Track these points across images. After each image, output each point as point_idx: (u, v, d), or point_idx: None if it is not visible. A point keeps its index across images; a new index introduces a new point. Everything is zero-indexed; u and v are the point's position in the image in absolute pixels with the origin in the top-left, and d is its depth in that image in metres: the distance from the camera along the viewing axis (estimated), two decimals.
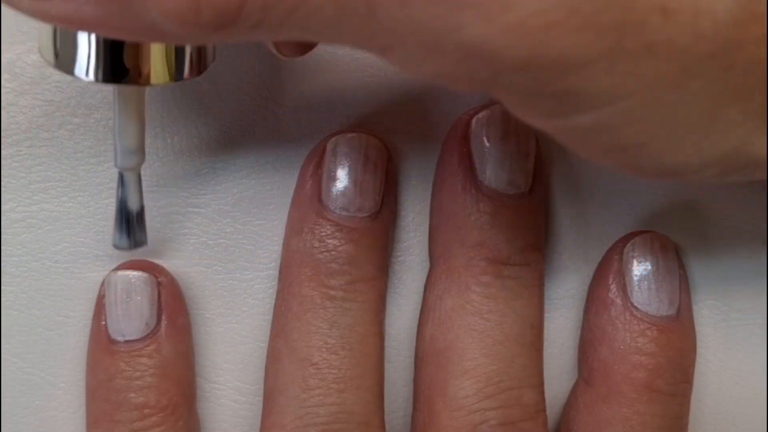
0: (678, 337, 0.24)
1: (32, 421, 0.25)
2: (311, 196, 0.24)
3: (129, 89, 0.21)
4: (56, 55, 0.19)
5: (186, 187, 0.25)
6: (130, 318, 0.23)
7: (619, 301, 0.24)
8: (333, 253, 0.23)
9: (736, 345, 0.26)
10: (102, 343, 0.24)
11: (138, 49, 0.19)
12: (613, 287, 0.24)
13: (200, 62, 0.20)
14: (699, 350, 0.25)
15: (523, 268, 0.24)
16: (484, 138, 0.24)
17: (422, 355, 0.24)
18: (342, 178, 0.23)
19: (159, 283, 0.24)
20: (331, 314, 0.23)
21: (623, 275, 0.24)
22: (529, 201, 0.24)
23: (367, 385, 0.23)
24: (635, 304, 0.24)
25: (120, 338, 0.23)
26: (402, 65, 0.16)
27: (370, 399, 0.23)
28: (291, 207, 0.25)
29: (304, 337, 0.23)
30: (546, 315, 0.25)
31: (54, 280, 0.25)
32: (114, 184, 0.25)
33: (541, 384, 0.24)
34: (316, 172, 0.24)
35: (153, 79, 0.19)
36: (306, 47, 0.21)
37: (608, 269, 0.25)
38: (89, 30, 0.17)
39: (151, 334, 0.23)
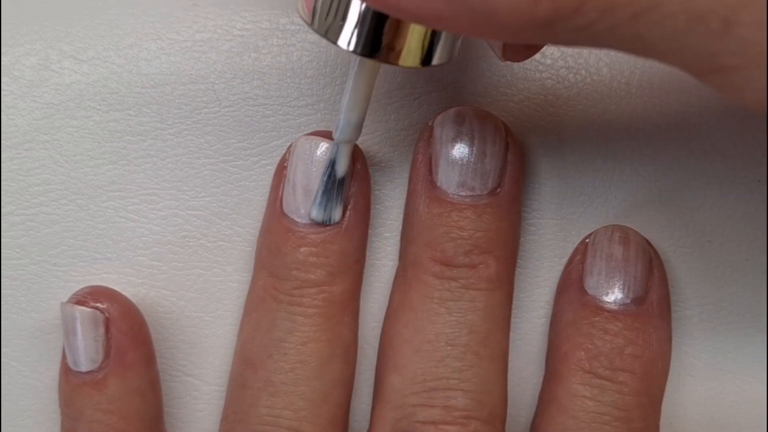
0: (627, 326, 0.23)
1: (31, 424, 0.25)
2: (274, 200, 0.24)
3: (370, 67, 0.21)
4: (317, 19, 0.19)
5: (185, 190, 0.25)
6: (78, 351, 0.23)
7: (574, 285, 0.24)
8: (284, 258, 0.23)
9: (734, 348, 0.26)
10: (64, 367, 0.24)
11: (397, 30, 0.19)
12: (573, 272, 0.25)
13: (451, 51, 0.20)
14: (697, 353, 0.25)
15: (466, 270, 0.23)
16: (438, 139, 0.24)
17: (378, 347, 0.25)
18: (294, 183, 0.24)
19: (107, 319, 0.24)
20: (273, 317, 0.23)
21: (582, 262, 0.24)
22: (487, 204, 0.23)
23: (300, 391, 0.23)
24: (585, 288, 0.24)
25: (74, 368, 0.24)
26: (732, 90, 0.16)
27: (303, 406, 0.23)
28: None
29: (248, 335, 0.24)
30: (533, 313, 0.25)
31: (53, 283, 0.25)
32: (113, 187, 0.25)
33: (484, 392, 0.23)
34: (282, 174, 0.24)
35: (402, 61, 0.19)
36: (532, 51, 0.21)
37: (575, 254, 0.25)
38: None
39: (97, 370, 0.23)
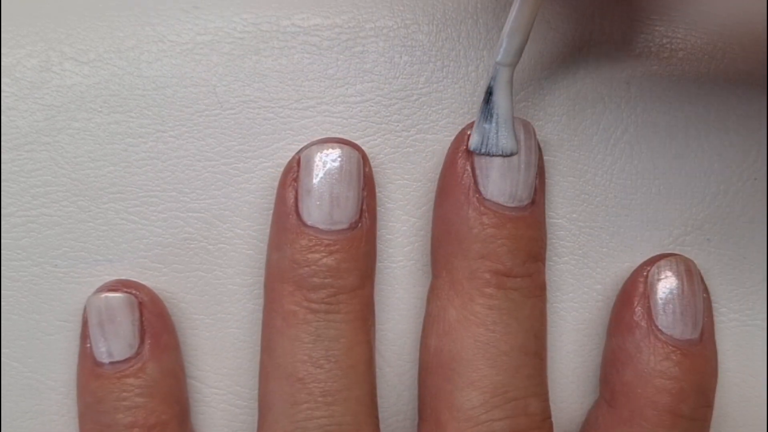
0: (701, 361, 0.24)
1: (32, 426, 0.25)
2: (288, 210, 0.24)
3: None
4: None
5: (186, 192, 0.25)
6: (114, 340, 0.23)
7: (644, 324, 0.24)
8: (313, 267, 0.23)
9: (735, 347, 0.26)
10: (88, 366, 0.24)
11: None
12: (638, 310, 0.24)
13: None
14: None
15: (525, 279, 0.24)
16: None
17: (427, 365, 0.24)
18: (316, 192, 0.23)
19: (140, 303, 0.24)
20: (314, 328, 0.23)
21: (648, 298, 0.24)
22: (531, 213, 0.24)
23: (356, 395, 0.23)
24: (660, 327, 0.24)
25: (105, 360, 0.24)
26: None
27: (360, 409, 0.23)
28: (271, 220, 0.24)
29: (289, 352, 0.23)
30: (551, 319, 0.25)
31: (54, 284, 0.25)
32: (114, 189, 0.25)
33: (546, 392, 0.24)
34: (293, 185, 0.24)
35: None
36: None
37: (633, 292, 0.25)
38: None
39: (135, 355, 0.24)
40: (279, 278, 0.24)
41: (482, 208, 0.23)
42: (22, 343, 0.25)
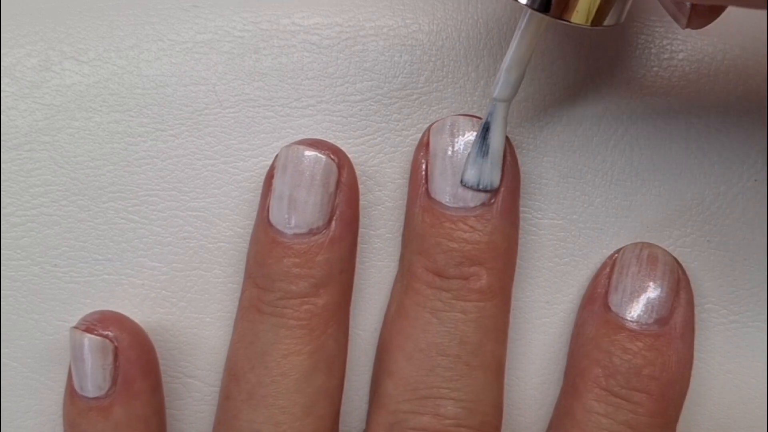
0: (647, 346, 0.24)
1: (31, 425, 0.25)
2: (262, 210, 0.24)
3: (537, 25, 0.21)
4: None
5: (186, 191, 0.25)
6: (84, 378, 0.23)
7: (599, 299, 0.24)
8: (266, 268, 0.23)
9: (735, 349, 0.26)
10: (69, 389, 0.24)
11: None
12: (599, 286, 0.25)
13: (620, 14, 0.20)
14: (696, 354, 0.25)
15: (457, 282, 0.23)
16: (432, 149, 0.24)
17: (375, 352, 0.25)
18: (277, 192, 0.23)
19: (116, 348, 0.23)
20: (257, 328, 0.23)
21: (609, 277, 0.24)
22: (479, 215, 0.23)
23: (281, 404, 0.23)
24: (609, 303, 0.24)
25: (78, 391, 0.24)
26: None
27: (284, 420, 0.23)
28: None
29: (233, 345, 0.24)
30: (533, 314, 0.25)
31: (53, 284, 0.25)
32: (113, 188, 0.25)
33: (475, 401, 0.23)
34: (270, 183, 0.24)
35: (574, 17, 0.19)
36: (717, 13, 0.20)
37: (602, 269, 0.25)
38: None
39: (105, 396, 0.23)
40: (246, 273, 0.24)
41: (425, 205, 0.24)
42: (22, 343, 0.25)
